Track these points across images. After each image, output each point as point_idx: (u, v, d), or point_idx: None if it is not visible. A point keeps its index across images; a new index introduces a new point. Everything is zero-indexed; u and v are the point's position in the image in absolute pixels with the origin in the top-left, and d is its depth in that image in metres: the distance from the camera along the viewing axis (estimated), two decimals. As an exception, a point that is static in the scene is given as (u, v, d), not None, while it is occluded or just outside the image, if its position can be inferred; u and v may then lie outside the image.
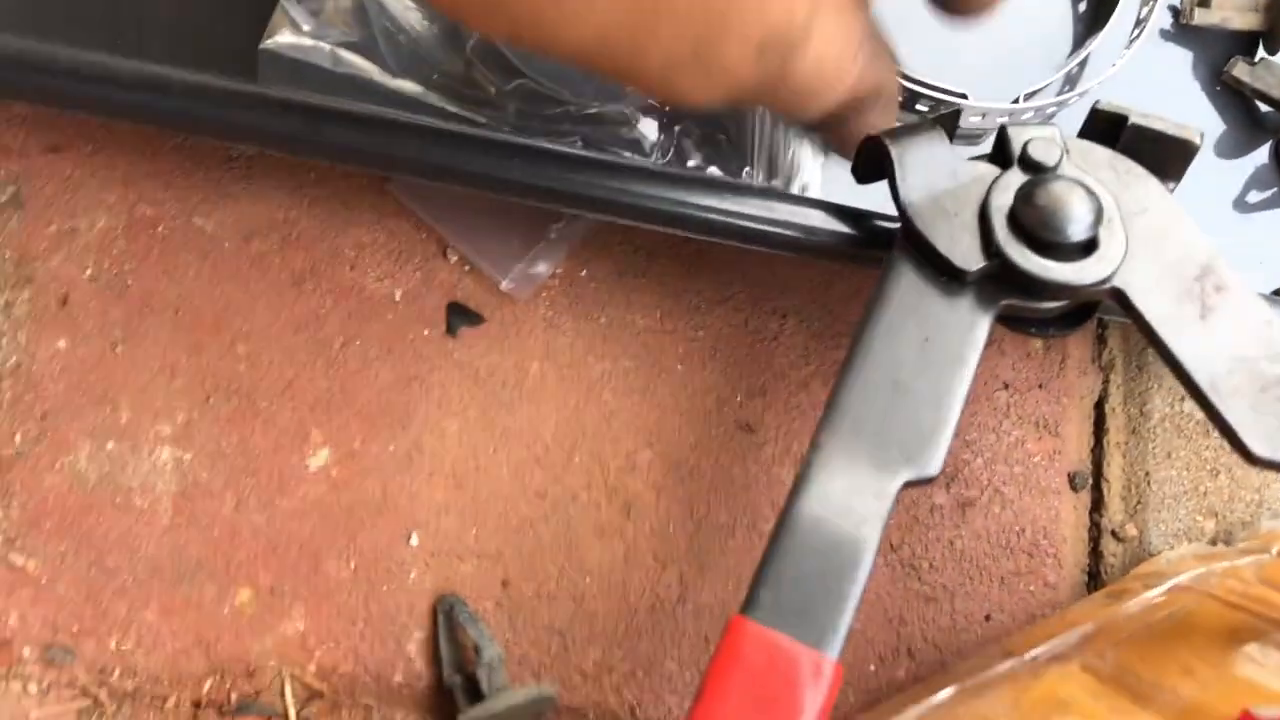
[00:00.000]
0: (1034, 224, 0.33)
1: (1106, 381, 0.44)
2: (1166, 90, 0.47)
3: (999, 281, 0.34)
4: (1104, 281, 0.33)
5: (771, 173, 0.43)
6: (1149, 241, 0.34)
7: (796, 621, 0.29)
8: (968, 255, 0.34)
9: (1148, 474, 0.43)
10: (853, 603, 0.30)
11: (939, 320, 0.34)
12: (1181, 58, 0.48)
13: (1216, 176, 0.47)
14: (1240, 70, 0.47)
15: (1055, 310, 0.35)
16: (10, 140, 0.41)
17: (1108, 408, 0.44)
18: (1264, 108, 0.47)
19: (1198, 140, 0.36)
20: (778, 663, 0.29)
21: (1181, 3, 0.48)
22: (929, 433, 0.32)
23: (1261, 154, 0.47)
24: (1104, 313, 0.37)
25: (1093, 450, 0.43)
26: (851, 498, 0.31)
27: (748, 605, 0.30)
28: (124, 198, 0.41)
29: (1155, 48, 0.48)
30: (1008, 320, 0.36)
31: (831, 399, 0.33)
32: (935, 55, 0.44)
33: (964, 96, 0.43)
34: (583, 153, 0.38)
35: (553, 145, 0.37)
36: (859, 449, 0.32)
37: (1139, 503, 0.43)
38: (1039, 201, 0.33)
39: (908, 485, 0.32)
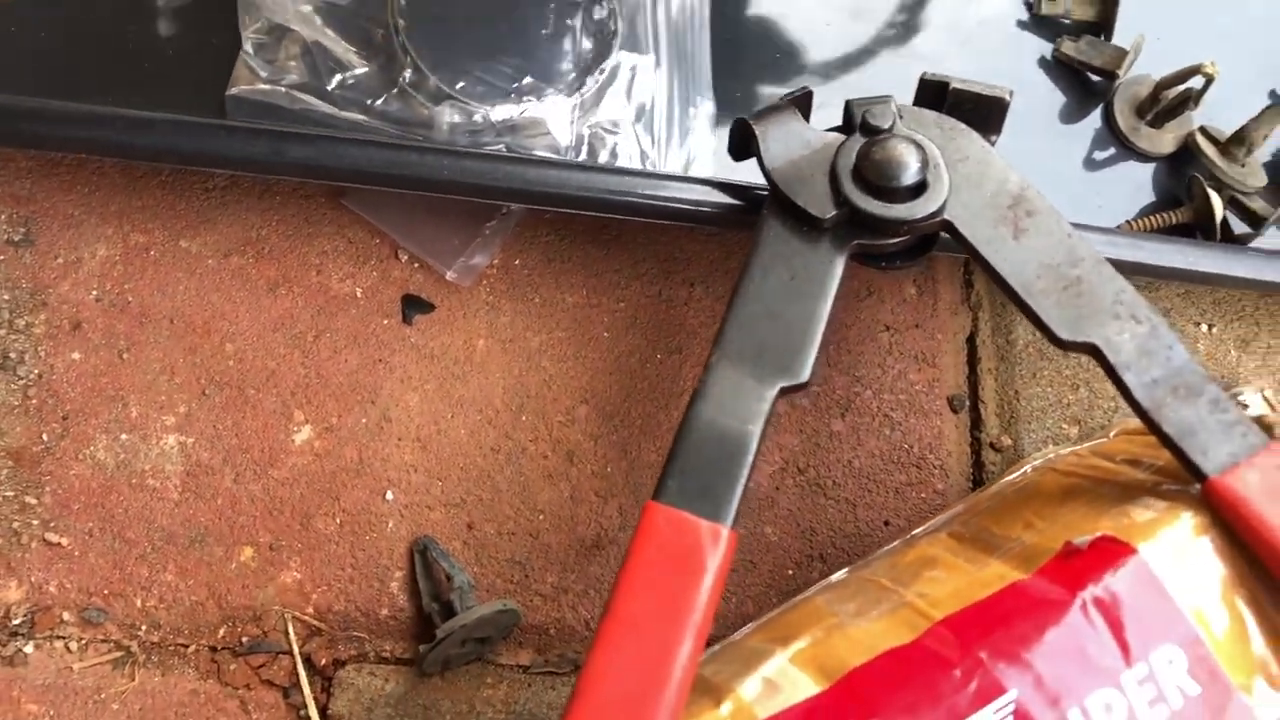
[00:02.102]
0: (873, 175, 0.40)
1: (976, 318, 0.51)
2: (1020, 69, 0.55)
3: (849, 225, 0.41)
4: (933, 216, 0.40)
5: (671, 153, 0.50)
6: (969, 182, 0.41)
7: (697, 501, 0.36)
8: (822, 206, 0.41)
9: (1017, 392, 0.50)
10: (741, 483, 0.36)
11: (802, 260, 0.41)
12: (1033, 42, 0.55)
13: (1063, 140, 0.54)
14: (1068, 47, 0.54)
15: (900, 245, 0.42)
16: (20, 189, 0.47)
17: (978, 340, 0.51)
18: (1095, 78, 0.55)
19: (1007, 97, 0.44)
20: (684, 534, 0.36)
21: (1034, -5, 0.56)
22: (798, 349, 0.39)
23: (1096, 117, 0.55)
24: (941, 249, 0.44)
25: (968, 377, 0.50)
26: (738, 401, 0.38)
27: (657, 492, 0.36)
28: (119, 229, 0.48)
29: (1012, 35, 0.55)
30: (863, 258, 0.43)
31: (720, 328, 0.40)
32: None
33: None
34: (506, 153, 0.45)
35: (472, 153, 0.45)
36: (743, 364, 0.39)
37: (1011, 417, 0.50)
38: (875, 156, 0.41)
39: (784, 390, 0.39)
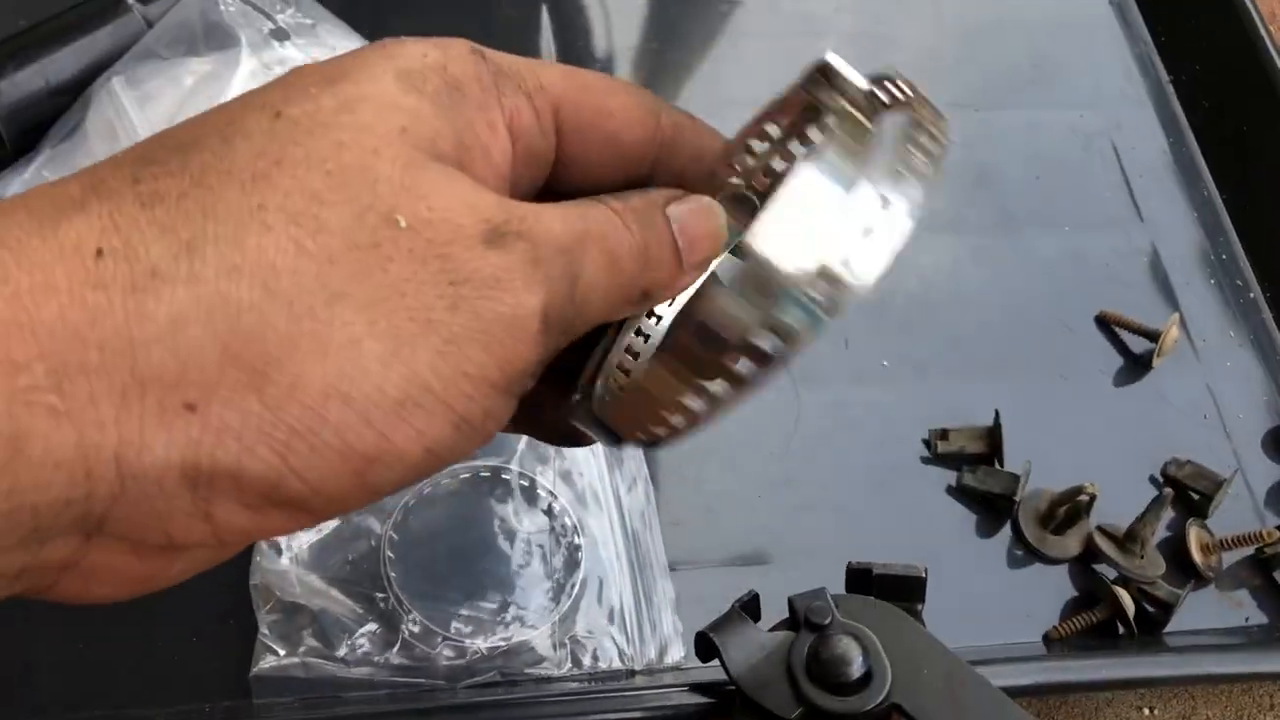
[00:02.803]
0: (824, 673, 0.47)
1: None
2: (931, 501, 0.63)
3: (813, 718, 0.47)
4: (883, 702, 0.47)
5: (645, 646, 0.57)
6: (907, 662, 0.48)
7: None
8: (786, 707, 0.47)
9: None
10: None
11: (780, 759, 0.46)
12: (938, 477, 0.64)
13: (981, 559, 0.61)
14: (968, 478, 0.63)
15: (859, 727, 0.48)
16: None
17: (949, 766, 0.56)
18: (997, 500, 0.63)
19: (923, 573, 0.51)
20: None
21: (930, 440, 0.64)
22: None
23: (1005, 533, 0.62)
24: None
25: (948, 804, 0.55)
26: None
27: None
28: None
29: (918, 472, 0.64)
30: (830, 742, 0.49)
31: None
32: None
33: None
34: (495, 704, 0.51)
35: (472, 703, 0.51)
36: None
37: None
38: (823, 656, 0.47)
39: None
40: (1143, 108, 0.78)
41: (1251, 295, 0.71)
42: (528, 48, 0.74)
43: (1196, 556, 0.61)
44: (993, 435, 0.63)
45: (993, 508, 0.63)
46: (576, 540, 0.57)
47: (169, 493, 0.26)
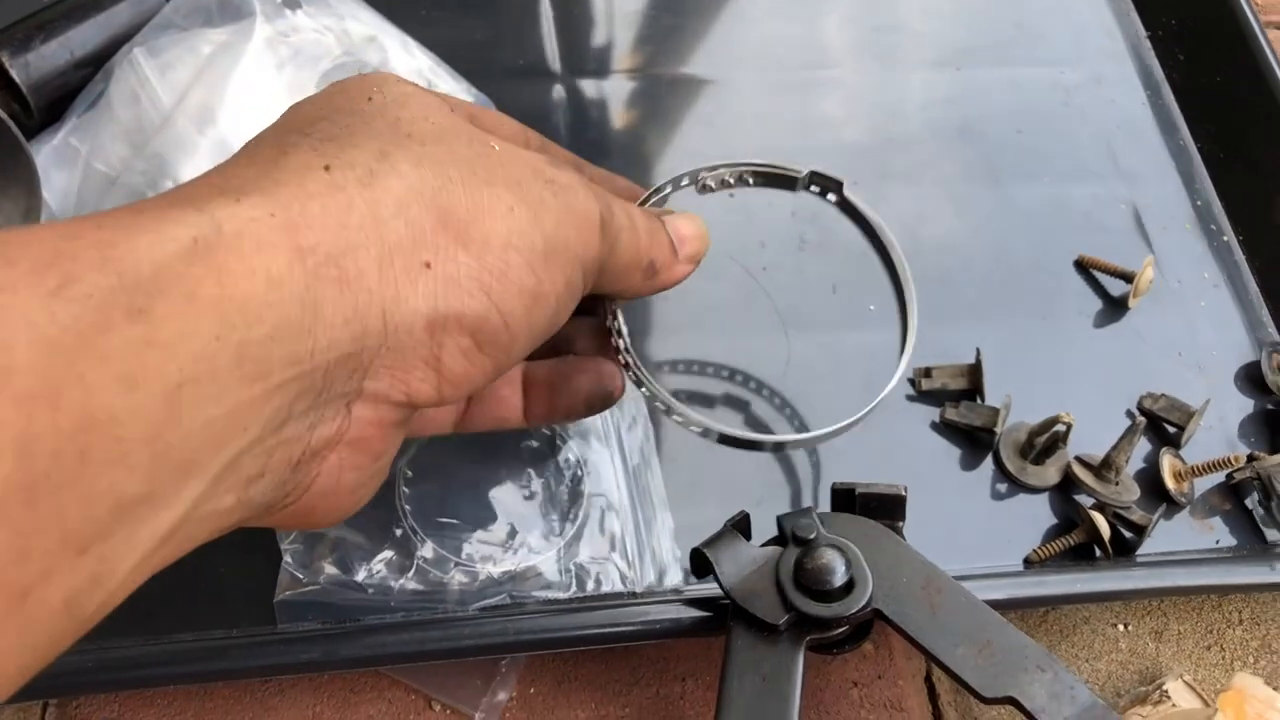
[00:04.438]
0: (810, 581, 0.50)
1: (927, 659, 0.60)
2: (917, 436, 0.66)
3: (800, 624, 0.50)
4: (865, 608, 0.50)
5: (645, 571, 0.60)
6: (889, 573, 0.51)
7: None
8: (774, 613, 0.50)
9: (976, 718, 0.58)
10: None
11: (769, 662, 0.50)
12: (922, 412, 0.67)
13: (965, 489, 0.65)
14: (951, 413, 0.66)
15: (845, 633, 0.51)
16: (109, 713, 0.56)
17: (934, 679, 0.59)
18: (979, 434, 0.66)
19: (903, 492, 0.54)
20: None
21: (915, 378, 0.67)
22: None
23: (988, 464, 0.65)
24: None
25: (933, 713, 0.58)
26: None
27: None
28: (196, 733, 0.56)
29: (903, 409, 0.67)
30: (817, 647, 0.52)
31: (712, 738, 0.48)
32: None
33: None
34: (509, 613, 0.55)
35: (483, 617, 0.54)
36: (736, 767, 0.47)
37: (977, 743, 0.58)
38: (808, 566, 0.50)
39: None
40: (1121, 62, 0.81)
41: (1225, 239, 0.74)
42: (528, 18, 0.76)
43: (1169, 483, 0.64)
44: (974, 372, 0.66)
45: (975, 441, 0.66)
46: (580, 473, 0.61)
47: (417, 339, 0.35)
